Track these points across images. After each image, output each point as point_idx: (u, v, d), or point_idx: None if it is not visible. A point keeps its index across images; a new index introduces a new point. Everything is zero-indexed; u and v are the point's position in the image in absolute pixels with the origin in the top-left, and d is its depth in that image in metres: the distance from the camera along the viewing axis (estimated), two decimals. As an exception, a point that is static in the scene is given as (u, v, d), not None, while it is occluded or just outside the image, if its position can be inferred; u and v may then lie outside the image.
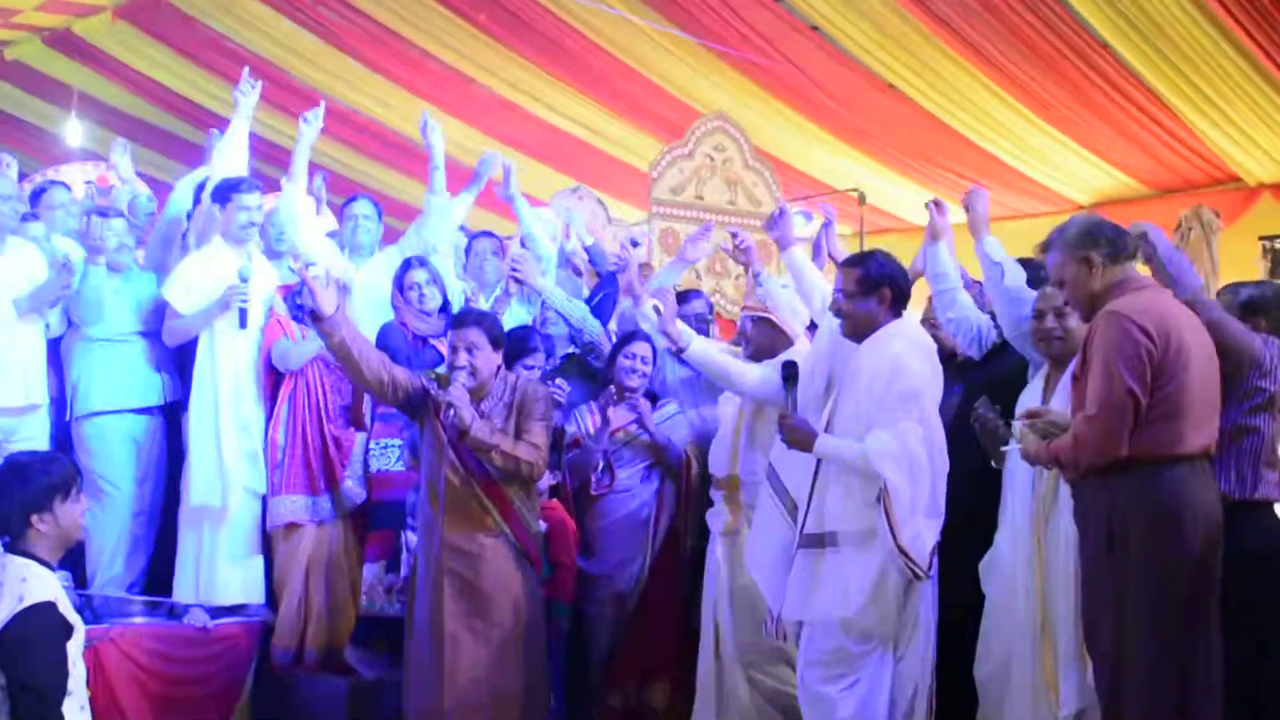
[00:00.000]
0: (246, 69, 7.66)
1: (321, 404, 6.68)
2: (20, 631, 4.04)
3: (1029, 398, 5.12)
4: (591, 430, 6.42)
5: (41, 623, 4.08)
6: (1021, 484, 5.02)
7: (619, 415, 6.44)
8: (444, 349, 6.49)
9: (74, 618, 4.22)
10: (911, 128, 10.85)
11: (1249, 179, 10.52)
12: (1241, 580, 4.56)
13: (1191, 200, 10.15)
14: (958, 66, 9.78)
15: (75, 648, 4.21)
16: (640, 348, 6.45)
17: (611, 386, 6.47)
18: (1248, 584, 4.65)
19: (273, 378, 6.81)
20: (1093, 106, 9.94)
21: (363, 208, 7.46)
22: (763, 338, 6.01)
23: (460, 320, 5.71)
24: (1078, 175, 11.14)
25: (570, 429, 6.49)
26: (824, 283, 5.80)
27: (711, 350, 6.06)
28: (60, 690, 4.09)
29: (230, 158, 7.31)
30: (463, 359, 5.52)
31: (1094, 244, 4.49)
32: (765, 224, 6.07)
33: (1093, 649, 4.52)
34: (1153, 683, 4.28)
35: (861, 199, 11.47)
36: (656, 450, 6.36)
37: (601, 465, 6.40)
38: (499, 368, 5.69)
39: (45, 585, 4.14)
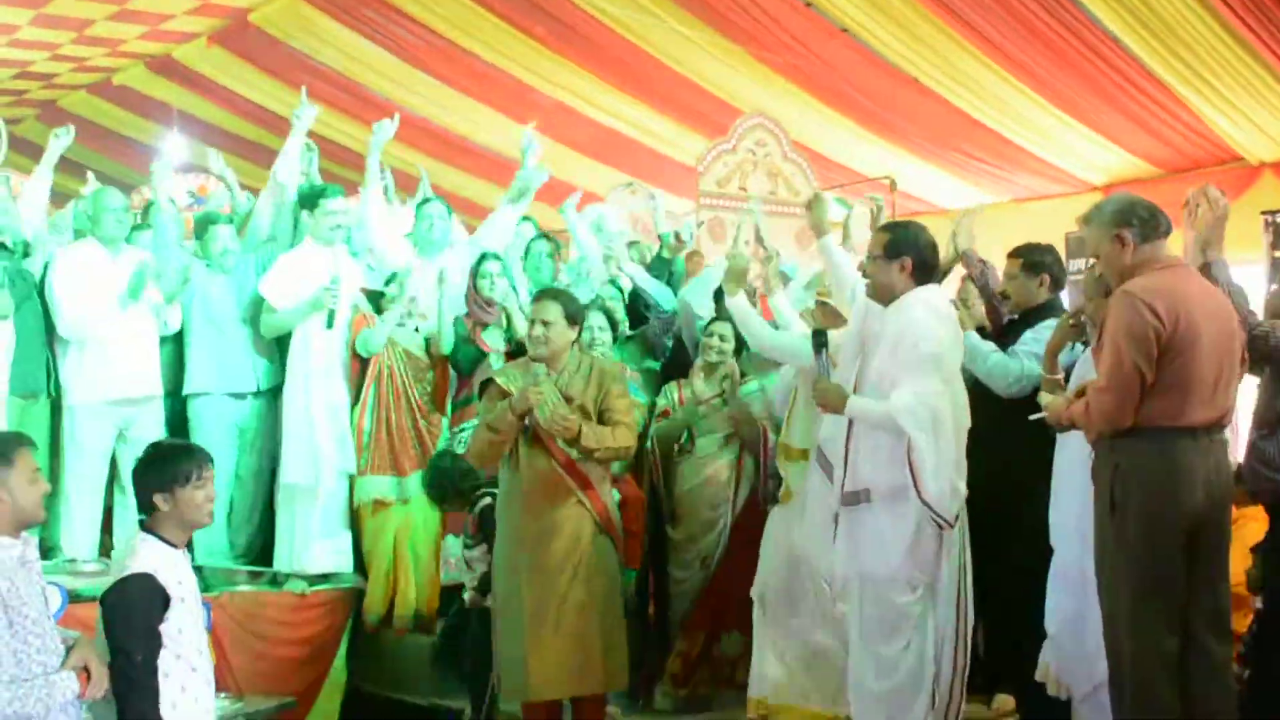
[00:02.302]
0: (304, 89, 7.63)
1: (406, 392, 6.69)
2: (113, 599, 4.06)
3: (1083, 369, 5.02)
4: (679, 403, 6.38)
5: (132, 591, 4.06)
6: (1077, 445, 4.90)
7: (705, 388, 6.39)
8: (488, 346, 6.62)
9: (179, 589, 4.16)
10: (936, 118, 10.71)
11: (1250, 158, 10.32)
12: None
13: (1198, 179, 9.84)
14: (977, 60, 9.65)
15: (181, 615, 4.16)
16: (721, 328, 6.43)
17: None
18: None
19: (359, 365, 6.82)
20: (1103, 94, 9.78)
21: (435, 208, 7.47)
22: (825, 319, 5.91)
23: (538, 295, 5.70)
24: (1090, 158, 10.96)
25: (661, 402, 6.48)
26: (854, 273, 5.68)
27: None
28: (147, 652, 4.05)
29: (291, 166, 7.32)
30: (538, 330, 5.49)
31: (1127, 222, 4.39)
32: (804, 208, 5.95)
33: (1100, 602, 4.46)
34: (1146, 635, 4.24)
35: (892, 185, 11.38)
36: (737, 422, 6.29)
37: (685, 435, 6.37)
38: (573, 343, 5.65)
39: (152, 558, 4.13)
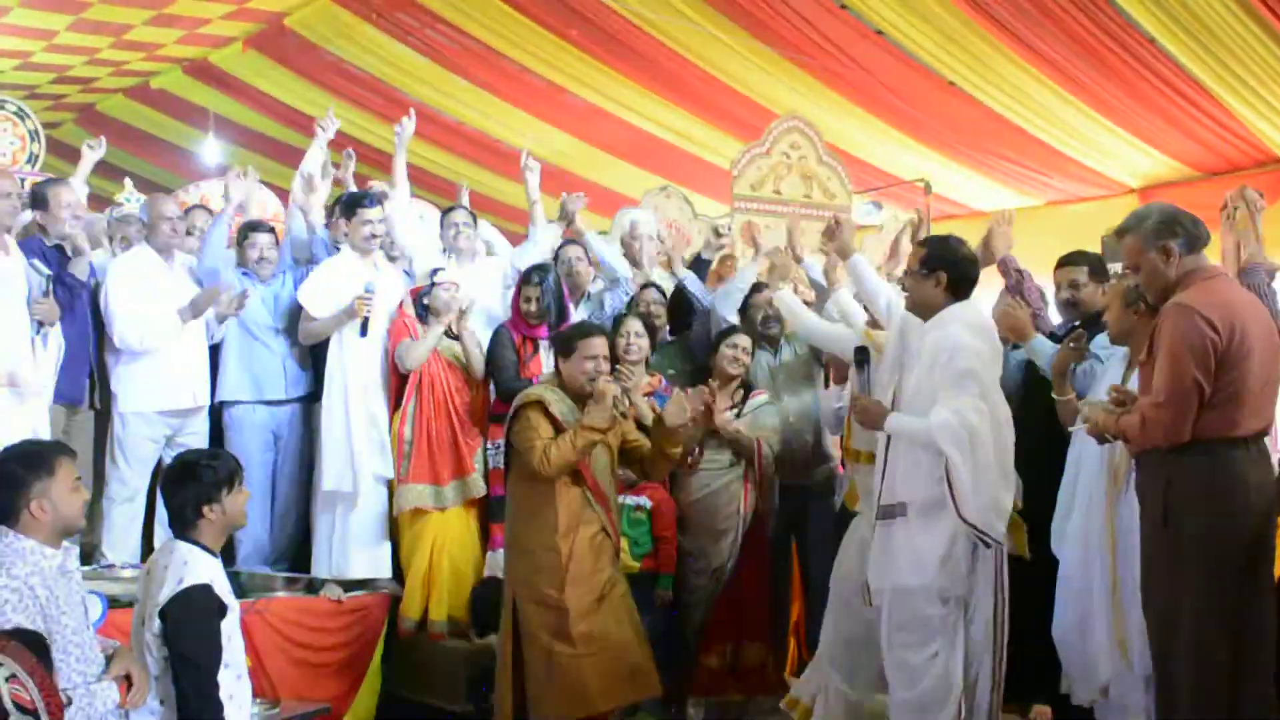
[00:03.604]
0: (331, 109, 7.71)
1: (448, 401, 6.68)
2: (178, 610, 4.11)
3: (1110, 379, 4.97)
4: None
5: (197, 602, 4.13)
6: (1093, 456, 4.89)
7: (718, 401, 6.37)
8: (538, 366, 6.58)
9: (229, 599, 4.28)
10: (971, 121, 10.68)
11: (1289, 159, 10.27)
12: None
13: (1236, 181, 9.82)
14: (1013, 63, 9.61)
15: (230, 624, 4.26)
16: (741, 339, 6.42)
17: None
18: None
19: (399, 374, 6.80)
20: (1140, 97, 9.72)
21: (461, 216, 7.49)
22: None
23: (586, 331, 5.69)
24: (1128, 161, 10.90)
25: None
26: (886, 286, 5.66)
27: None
28: (214, 662, 4.14)
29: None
30: (603, 365, 5.52)
31: (1173, 234, 4.33)
32: (823, 236, 5.95)
33: (1149, 615, 4.41)
34: (1206, 651, 4.18)
35: (927, 188, 11.34)
36: (735, 440, 6.29)
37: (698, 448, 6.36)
38: None
39: (204, 569, 4.20)
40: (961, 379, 4.77)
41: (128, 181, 8.83)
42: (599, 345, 5.56)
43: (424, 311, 6.77)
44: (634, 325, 6.54)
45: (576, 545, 5.44)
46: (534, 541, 5.50)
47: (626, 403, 5.51)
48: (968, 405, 4.74)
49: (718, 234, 7.73)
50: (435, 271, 6.84)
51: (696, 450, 6.30)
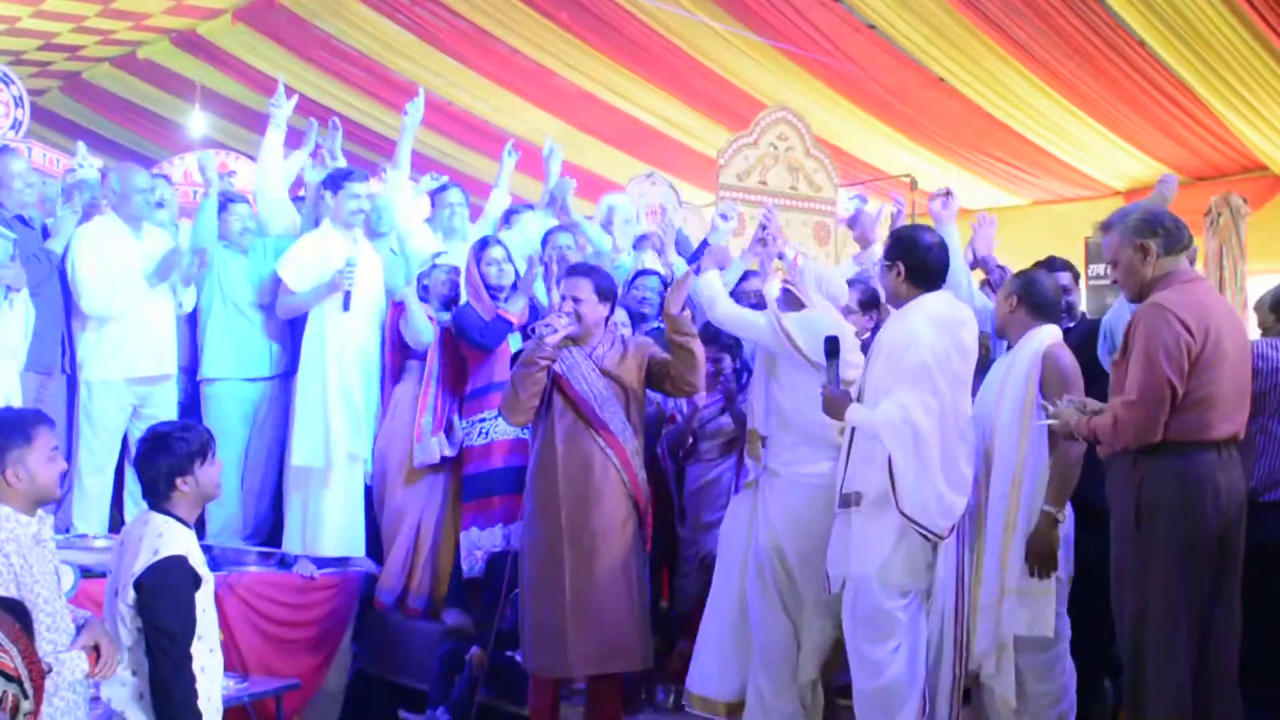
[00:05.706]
0: (281, 82, 7.62)
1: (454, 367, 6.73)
2: (154, 581, 4.10)
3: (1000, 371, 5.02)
4: (684, 408, 6.38)
5: (172, 573, 4.13)
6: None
7: (701, 397, 6.38)
8: (512, 316, 6.48)
9: (204, 571, 4.28)
10: (960, 118, 10.73)
11: (1275, 167, 10.33)
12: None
13: (1221, 187, 9.94)
14: (1003, 62, 9.65)
15: (205, 597, 4.27)
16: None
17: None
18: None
19: (397, 350, 6.84)
20: (1129, 99, 9.78)
21: (455, 196, 7.49)
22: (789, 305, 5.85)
23: (571, 271, 5.68)
24: (1114, 163, 10.97)
25: (670, 405, 6.46)
26: None
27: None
28: (188, 634, 4.14)
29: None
30: (569, 305, 5.48)
31: (1152, 233, 4.36)
32: (845, 222, 5.93)
33: (1120, 617, 4.43)
34: (1172, 650, 4.22)
35: (913, 184, 11.37)
36: (738, 428, 6.28)
37: (689, 439, 6.37)
38: (607, 319, 5.64)
39: (179, 540, 4.20)
40: (913, 373, 4.72)
41: (81, 145, 8.71)
42: (570, 285, 5.53)
43: (425, 292, 6.83)
44: (619, 316, 6.44)
45: (573, 480, 5.42)
46: (532, 487, 5.53)
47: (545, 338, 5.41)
48: (913, 401, 4.69)
49: (725, 219, 7.71)
50: (438, 254, 6.88)
51: (691, 440, 6.32)
